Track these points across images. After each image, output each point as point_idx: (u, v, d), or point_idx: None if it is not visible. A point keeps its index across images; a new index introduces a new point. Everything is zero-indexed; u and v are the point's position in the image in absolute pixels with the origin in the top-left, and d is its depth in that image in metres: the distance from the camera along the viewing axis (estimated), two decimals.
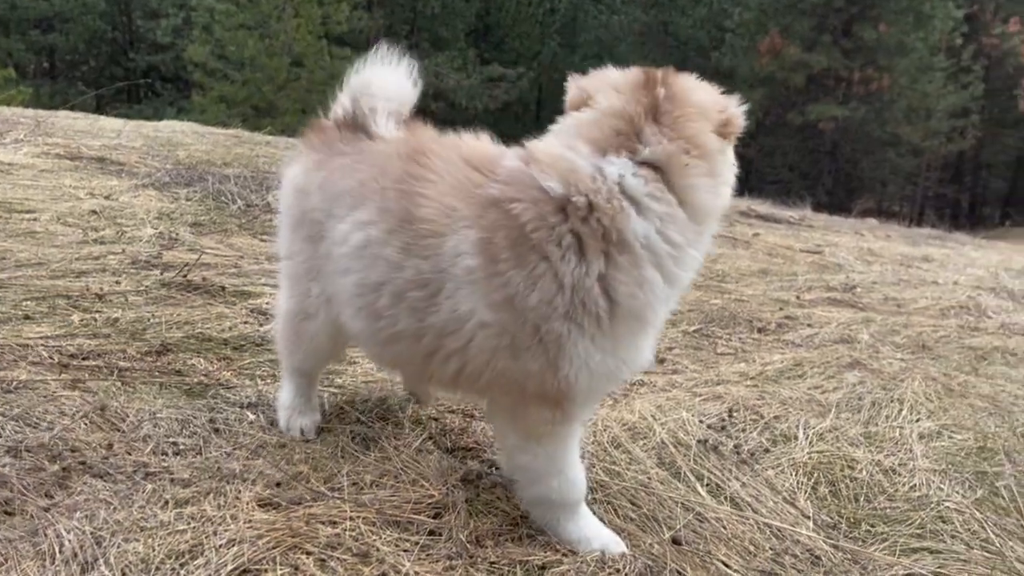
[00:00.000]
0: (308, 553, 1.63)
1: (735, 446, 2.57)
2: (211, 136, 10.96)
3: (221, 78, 25.27)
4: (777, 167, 31.69)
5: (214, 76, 25.39)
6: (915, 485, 2.44)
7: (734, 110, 1.87)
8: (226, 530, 1.62)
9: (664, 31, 32.88)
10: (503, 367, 1.74)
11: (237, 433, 2.12)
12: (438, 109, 31.72)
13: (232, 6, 24.36)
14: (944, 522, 2.26)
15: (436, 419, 2.39)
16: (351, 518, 1.74)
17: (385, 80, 2.22)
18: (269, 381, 2.56)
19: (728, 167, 1.86)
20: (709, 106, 1.82)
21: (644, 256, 1.70)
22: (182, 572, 1.50)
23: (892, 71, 28.55)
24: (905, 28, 28.42)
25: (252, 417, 2.22)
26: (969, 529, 2.24)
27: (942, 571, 1.98)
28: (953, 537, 2.19)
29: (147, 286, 3.40)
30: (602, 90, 1.81)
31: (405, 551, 1.70)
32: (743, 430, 2.71)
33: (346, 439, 2.16)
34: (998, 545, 2.18)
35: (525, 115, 36.82)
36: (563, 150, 1.79)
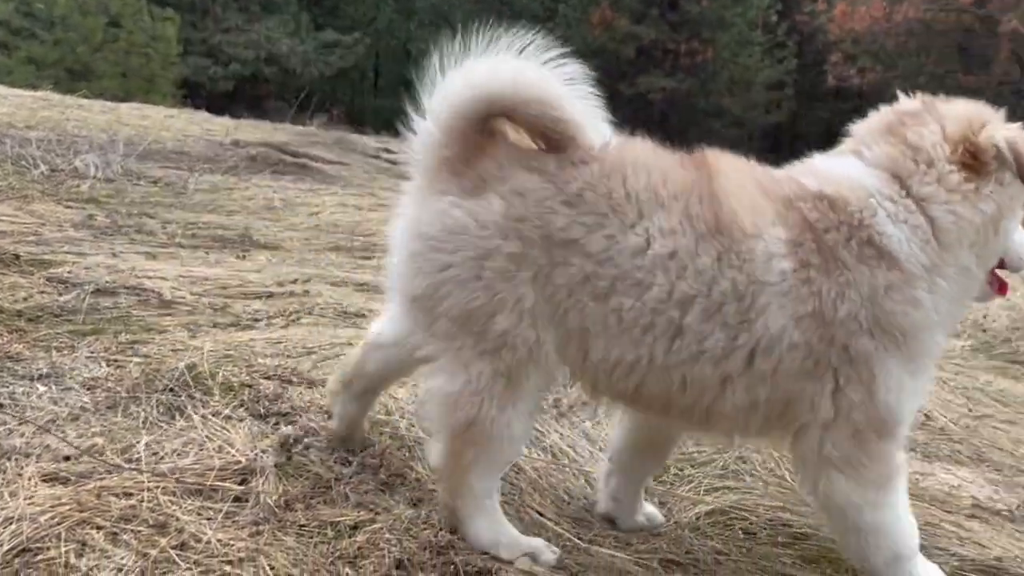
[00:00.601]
0: (98, 528, 1.53)
1: (555, 400, 2.62)
2: (15, 98, 10.12)
3: (28, 37, 23.27)
4: None
5: (20, 35, 23.35)
6: None
7: (988, 135, 1.76)
8: (2, 508, 1.50)
9: (500, 1, 32.98)
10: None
11: (24, 407, 1.96)
12: (271, 75, 30.57)
13: None
14: (744, 463, 2.40)
15: (250, 386, 2.30)
16: (148, 489, 1.65)
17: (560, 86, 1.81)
18: (66, 352, 2.39)
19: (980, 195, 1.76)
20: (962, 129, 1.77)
21: (913, 272, 1.69)
22: None
23: (715, 44, 29.91)
24: (725, 3, 29.82)
25: (43, 390, 2.06)
26: (767, 468, 2.40)
27: (741, 504, 2.11)
28: (752, 476, 2.34)
29: None
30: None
31: (208, 519, 1.63)
32: (563, 385, 2.77)
33: (150, 409, 2.05)
34: (791, 481, 2.34)
35: (363, 82, 36.09)
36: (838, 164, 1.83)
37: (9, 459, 1.69)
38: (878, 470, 1.71)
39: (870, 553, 1.75)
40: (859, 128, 1.92)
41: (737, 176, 1.78)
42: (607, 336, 1.72)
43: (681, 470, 2.32)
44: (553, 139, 1.76)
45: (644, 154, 1.79)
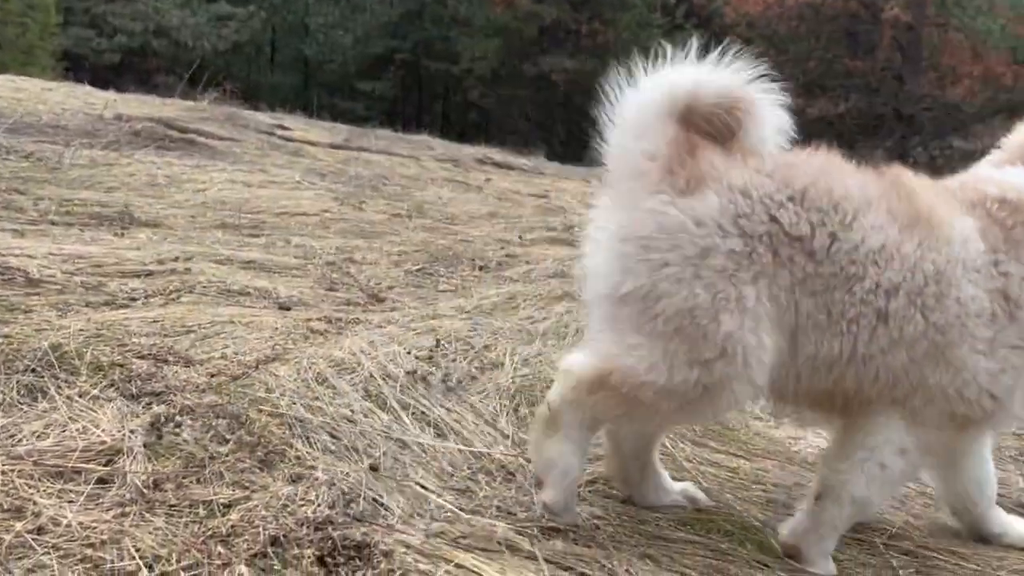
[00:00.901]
0: None
1: (443, 376, 2.61)
2: None
3: None
4: (514, 117, 32.63)
5: None
6: None
7: None
8: None
9: None
10: None
11: None
12: (160, 47, 29.38)
13: None
14: None
15: (121, 365, 2.21)
16: (3, 472, 1.57)
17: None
18: None
19: None
20: None
21: None
22: None
23: (616, 25, 30.27)
24: None
25: None
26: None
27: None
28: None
29: None
30: None
31: (69, 502, 1.56)
32: (453, 360, 2.76)
33: (8, 390, 1.94)
34: (668, 447, 2.40)
35: (259, 57, 35.06)
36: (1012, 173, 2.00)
37: None
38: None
39: None
40: (1014, 141, 2.14)
41: (922, 181, 1.96)
42: (816, 332, 1.81)
43: None
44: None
45: (840, 159, 1.92)
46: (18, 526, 1.46)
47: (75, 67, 26.81)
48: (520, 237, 5.65)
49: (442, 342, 2.84)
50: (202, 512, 1.65)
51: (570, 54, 30.32)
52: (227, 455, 1.88)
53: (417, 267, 4.24)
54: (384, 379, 2.49)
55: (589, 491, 2.09)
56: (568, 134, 31.71)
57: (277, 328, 2.82)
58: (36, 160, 5.12)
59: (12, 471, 1.59)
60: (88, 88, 12.92)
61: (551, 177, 12.97)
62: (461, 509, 1.88)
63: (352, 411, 2.23)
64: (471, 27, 30.92)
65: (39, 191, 4.47)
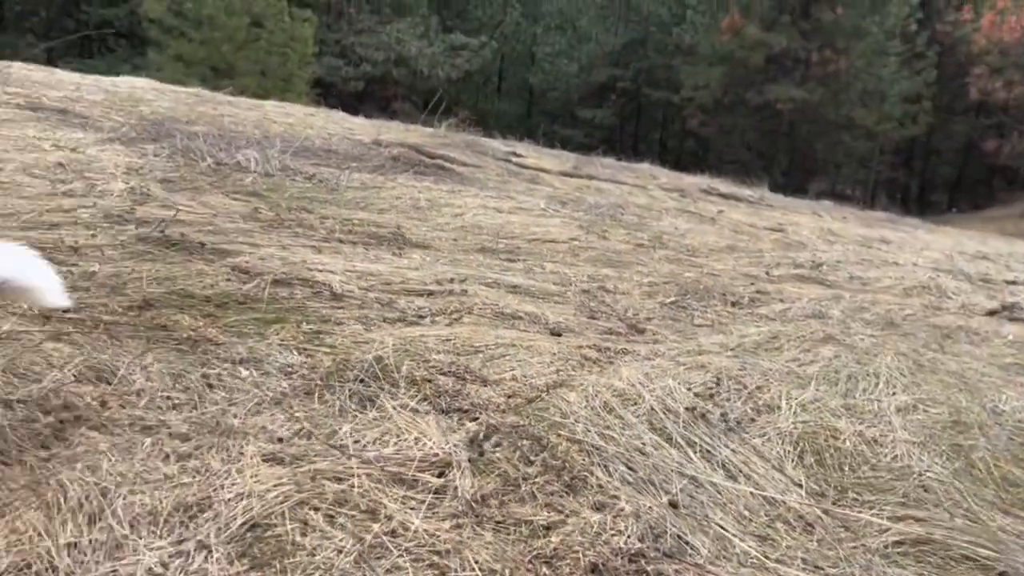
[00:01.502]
0: (316, 509, 1.61)
1: (722, 414, 2.60)
2: (172, 94, 10.69)
3: (179, 36, 24.62)
4: (735, 146, 31.94)
5: (171, 34, 24.73)
6: (897, 456, 2.50)
7: None
8: (233, 484, 1.60)
9: (626, 5, 32.81)
10: None
11: (232, 389, 2.08)
12: (399, 76, 31.33)
13: None
14: (927, 491, 2.32)
15: (429, 380, 2.37)
16: (357, 475, 1.72)
17: None
18: (257, 339, 2.52)
19: None
20: None
21: None
22: (191, 525, 1.48)
23: (848, 54, 28.90)
24: (862, 11, 28.75)
25: (245, 373, 2.18)
26: (951, 499, 2.31)
27: (931, 537, 2.04)
28: (936, 506, 2.25)
29: (123, 241, 3.32)
30: None
31: (412, 509, 1.69)
32: (728, 399, 2.74)
33: (344, 398, 2.13)
34: (977, 514, 2.25)
35: (487, 85, 36.59)
36: None
37: (230, 437, 1.80)
38: None
39: None
40: None
41: None
42: None
43: (859, 495, 2.26)
44: None
45: None
46: (375, 527, 1.60)
47: (325, 93, 29.10)
48: (767, 273, 5.51)
49: (722, 380, 2.82)
50: (524, 531, 1.73)
51: (797, 83, 29.30)
52: (535, 476, 1.97)
53: (670, 300, 4.24)
54: (665, 413, 2.51)
55: (898, 551, 1.99)
56: (790, 164, 30.64)
57: (555, 353, 2.91)
58: (317, 182, 5.60)
59: (364, 474, 1.74)
60: (342, 114, 13.97)
61: (780, 209, 12.53)
62: (766, 557, 1.86)
63: (643, 443, 2.26)
64: (695, 55, 30.62)
65: (323, 211, 4.88)
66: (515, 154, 12.22)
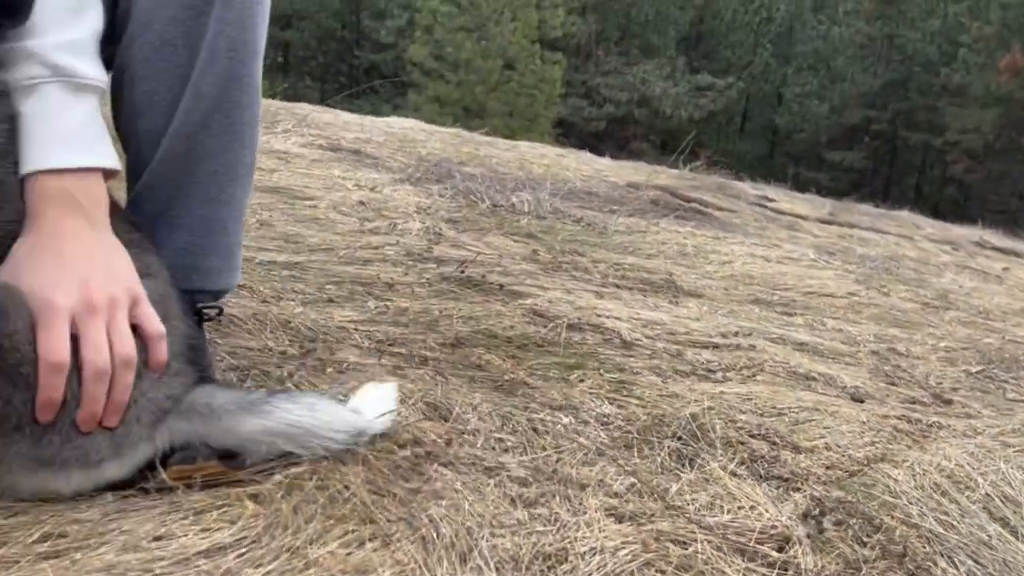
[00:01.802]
0: (661, 572, 1.59)
1: None
2: (437, 134, 11.40)
3: (437, 78, 26.32)
4: (1004, 195, 29.22)
5: (430, 76, 26.48)
6: None
7: None
8: (584, 537, 1.62)
9: (889, 44, 31.07)
10: None
11: (556, 435, 2.12)
12: (640, 116, 31.59)
13: (454, 8, 25.30)
14: None
15: (741, 443, 2.31)
16: (699, 541, 1.69)
17: None
18: (564, 384, 2.57)
19: None
20: None
21: None
22: (550, 575, 1.51)
23: None
24: None
25: (566, 420, 2.23)
26: None
27: None
28: None
29: (428, 279, 3.53)
30: None
31: None
32: None
33: (663, 454, 2.12)
34: None
35: (728, 126, 35.99)
36: None
37: (568, 486, 1.83)
38: None
39: None
40: None
41: None
42: None
43: None
44: None
45: None
46: None
47: (566, 132, 29.84)
48: None
49: None
50: None
51: None
52: (874, 561, 1.85)
53: (975, 369, 3.89)
54: (1004, 502, 2.28)
55: None
56: None
57: (863, 423, 2.75)
58: (585, 225, 5.72)
59: (705, 540, 1.70)
60: (589, 154, 14.25)
61: None
62: None
63: (987, 535, 2.06)
64: (965, 96, 28.40)
65: (594, 254, 4.96)
66: (767, 198, 11.86)
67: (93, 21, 1.56)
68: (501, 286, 3.53)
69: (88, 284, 1.40)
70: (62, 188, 1.46)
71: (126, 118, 1.78)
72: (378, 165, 6.22)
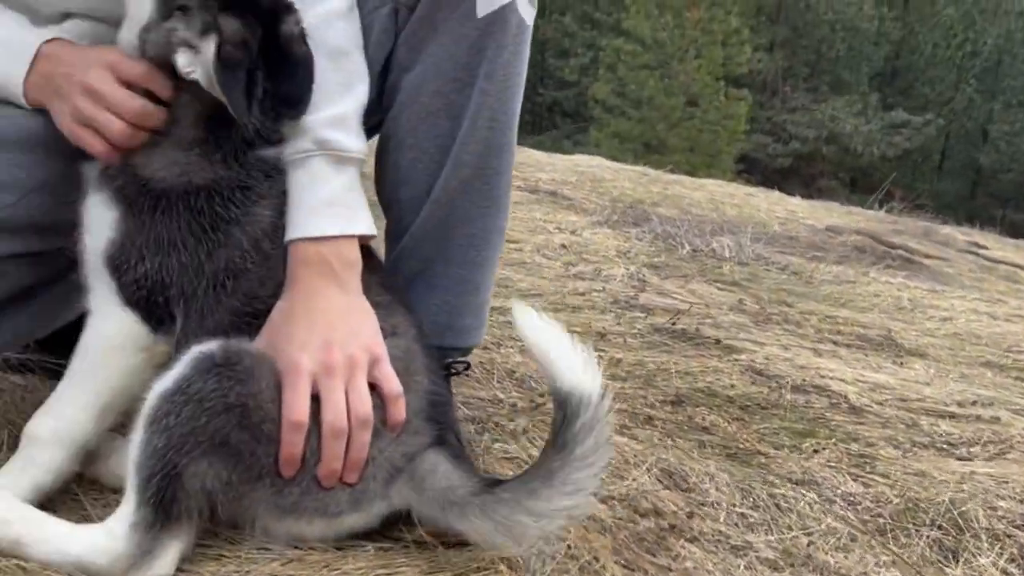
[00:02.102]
0: None
1: None
2: (624, 172, 11.38)
3: (619, 115, 26.38)
4: None
5: (612, 113, 26.59)
6: None
7: None
8: None
9: None
10: None
11: (801, 514, 2.00)
12: (828, 153, 30.35)
13: (639, 47, 25.35)
14: None
15: (1009, 536, 2.09)
16: None
17: None
18: (797, 453, 2.43)
19: None
20: None
21: None
22: None
23: None
24: None
25: (810, 497, 2.09)
26: None
27: None
28: None
29: (639, 329, 3.48)
30: None
31: None
32: None
33: (923, 545, 1.95)
34: None
35: (924, 164, 33.91)
36: None
37: (823, 575, 1.71)
38: None
39: None
40: None
41: None
42: None
43: None
44: None
45: None
46: None
47: (748, 169, 29.10)
48: None
49: None
50: None
51: None
52: None
53: None
54: None
55: None
56: None
57: None
58: (790, 273, 5.49)
59: None
60: (778, 193, 13.78)
61: None
62: None
63: None
64: None
65: (802, 305, 4.74)
66: (977, 245, 11.00)
67: (360, 95, 1.63)
68: (717, 340, 3.42)
69: (331, 346, 1.45)
70: (318, 254, 1.52)
71: (389, 183, 1.85)
72: (575, 207, 6.25)
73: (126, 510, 1.35)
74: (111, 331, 1.44)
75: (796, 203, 12.23)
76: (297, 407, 1.40)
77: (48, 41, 1.56)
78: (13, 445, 1.72)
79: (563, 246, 4.87)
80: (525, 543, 1.47)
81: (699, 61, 25.68)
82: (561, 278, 4.14)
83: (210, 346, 1.40)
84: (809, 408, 2.94)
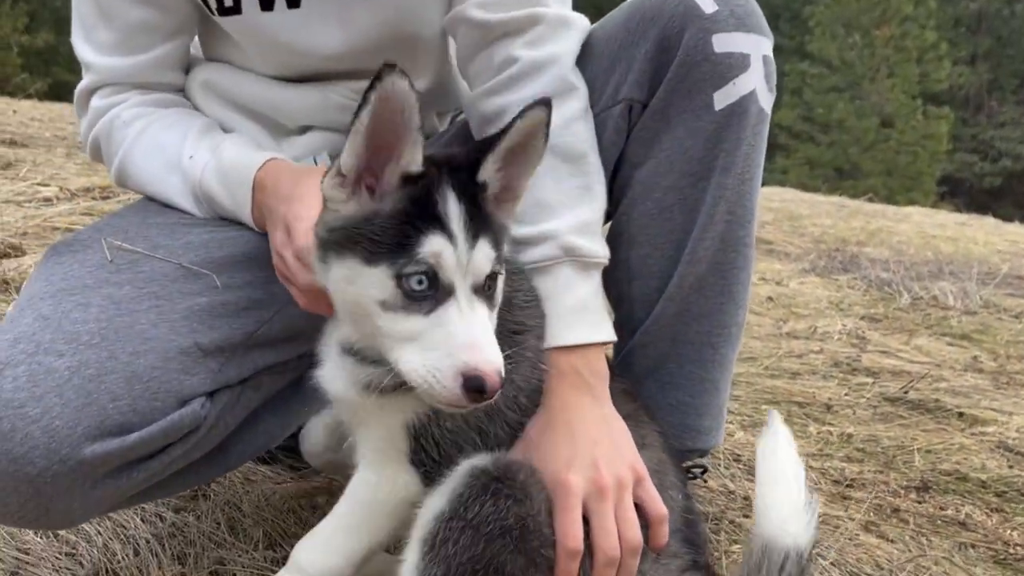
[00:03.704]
0: None
1: None
2: (819, 205, 10.88)
3: (807, 140, 25.38)
4: None
5: (799, 138, 25.61)
6: None
7: None
8: None
9: None
10: None
11: None
12: None
13: (825, 70, 24.36)
14: None
15: None
16: None
17: None
18: None
19: None
20: None
21: None
22: None
23: None
24: None
25: None
26: None
27: None
28: None
29: (867, 398, 3.23)
30: None
31: None
32: None
33: None
34: None
35: None
36: None
37: None
38: None
39: None
40: None
41: None
42: None
43: None
44: None
45: None
46: None
47: (952, 191, 27.11)
48: None
49: None
50: None
51: None
52: None
53: None
54: None
55: None
56: None
57: None
58: None
59: None
60: (994, 220, 12.72)
61: None
62: None
63: None
64: None
65: None
66: None
67: (600, 199, 1.59)
68: (960, 413, 3.11)
69: (598, 465, 1.39)
70: (570, 364, 1.47)
71: (619, 279, 1.78)
72: (776, 252, 5.99)
73: None
74: (388, 491, 1.39)
75: (1014, 230, 11.23)
76: (573, 533, 1.34)
77: (262, 167, 1.56)
78: (268, 544, 1.79)
79: (770, 299, 4.65)
80: None
81: (892, 80, 24.29)
82: (774, 337, 3.94)
83: (483, 460, 1.34)
84: None
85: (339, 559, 1.36)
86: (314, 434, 1.70)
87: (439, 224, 1.14)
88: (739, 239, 1.70)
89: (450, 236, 1.15)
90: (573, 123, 1.59)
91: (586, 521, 1.38)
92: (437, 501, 1.32)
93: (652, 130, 1.67)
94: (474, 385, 1.11)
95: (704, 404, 1.77)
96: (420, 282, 1.13)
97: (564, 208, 1.54)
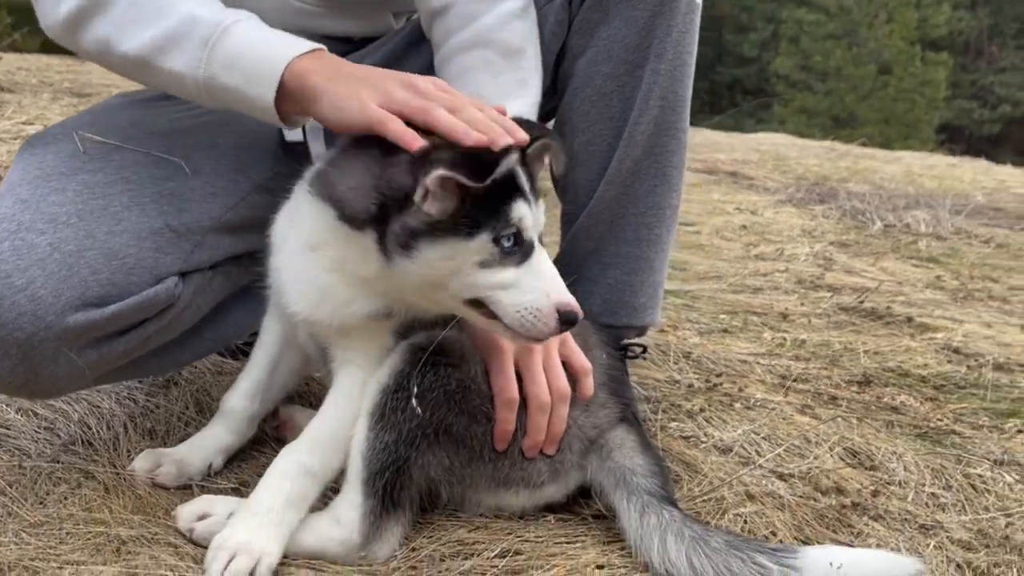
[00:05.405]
0: None
1: None
2: (810, 148, 10.93)
3: (803, 89, 25.27)
4: None
5: (796, 87, 25.50)
6: None
7: None
8: None
9: None
10: None
11: (1004, 497, 1.90)
12: None
13: (822, 16, 24.17)
14: None
15: None
16: None
17: None
18: (999, 435, 2.30)
19: None
20: None
21: None
22: None
23: None
24: None
25: (1010, 479, 1.99)
26: None
27: None
28: None
29: (824, 308, 3.37)
30: None
31: None
32: None
33: None
34: None
35: None
36: None
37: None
38: None
39: None
40: None
41: None
42: None
43: None
44: None
45: None
46: None
47: (952, 138, 27.00)
48: None
49: None
50: None
51: None
52: None
53: None
54: None
55: None
56: None
57: None
58: (996, 246, 5.10)
59: None
60: (985, 162, 12.73)
61: None
62: None
63: None
64: None
65: (1010, 280, 4.40)
66: None
67: (535, 92, 1.72)
68: (909, 319, 3.26)
69: None
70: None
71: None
72: (756, 186, 6.11)
73: (353, 499, 1.45)
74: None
75: (1006, 172, 11.28)
76: (510, 385, 1.49)
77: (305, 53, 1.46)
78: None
79: (743, 227, 4.79)
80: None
81: (891, 26, 24.11)
82: (741, 259, 4.08)
83: (419, 337, 1.47)
84: (1015, 387, 2.76)
85: (343, 456, 1.49)
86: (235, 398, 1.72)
87: (521, 193, 1.31)
88: (672, 123, 1.83)
89: (528, 202, 1.31)
90: (512, 20, 1.71)
91: (519, 376, 1.53)
92: (381, 377, 1.47)
93: (591, 21, 1.80)
94: (568, 318, 1.30)
95: (639, 282, 1.91)
96: (509, 239, 1.29)
97: (500, 100, 1.66)
